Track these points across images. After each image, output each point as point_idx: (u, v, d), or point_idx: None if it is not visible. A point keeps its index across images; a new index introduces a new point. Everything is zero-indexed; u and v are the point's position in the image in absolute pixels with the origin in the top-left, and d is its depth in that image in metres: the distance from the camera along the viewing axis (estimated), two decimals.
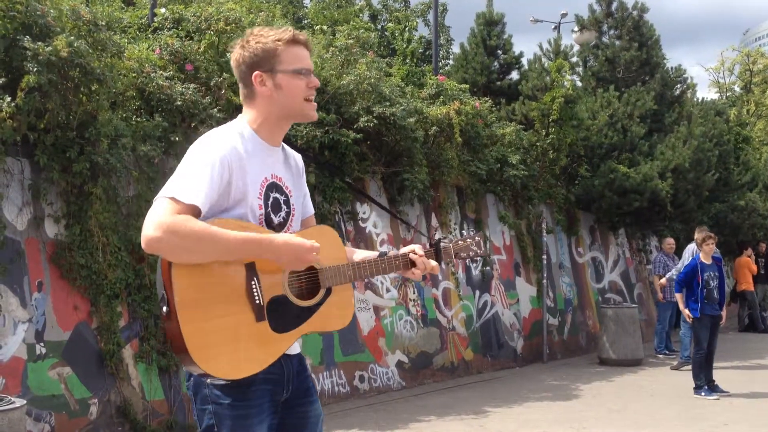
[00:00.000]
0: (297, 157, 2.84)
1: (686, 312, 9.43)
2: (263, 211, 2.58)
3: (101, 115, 6.60)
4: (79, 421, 6.46)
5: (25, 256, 6.39)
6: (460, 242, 2.98)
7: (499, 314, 11.58)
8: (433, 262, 2.83)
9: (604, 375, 10.73)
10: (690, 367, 9.52)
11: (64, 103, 6.33)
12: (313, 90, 2.64)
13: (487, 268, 11.45)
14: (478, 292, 11.26)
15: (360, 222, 9.58)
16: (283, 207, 2.67)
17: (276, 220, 2.64)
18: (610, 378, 10.48)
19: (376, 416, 8.05)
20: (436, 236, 2.84)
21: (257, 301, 2.48)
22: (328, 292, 2.65)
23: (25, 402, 4.99)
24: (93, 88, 6.47)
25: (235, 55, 2.64)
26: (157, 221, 2.34)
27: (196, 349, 2.38)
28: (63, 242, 6.60)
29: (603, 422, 7.79)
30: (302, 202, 2.82)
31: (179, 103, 7.42)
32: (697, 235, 9.70)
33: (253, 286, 2.48)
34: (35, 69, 5.98)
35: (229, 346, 2.43)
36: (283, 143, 2.77)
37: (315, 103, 2.68)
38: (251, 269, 2.49)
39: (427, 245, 2.91)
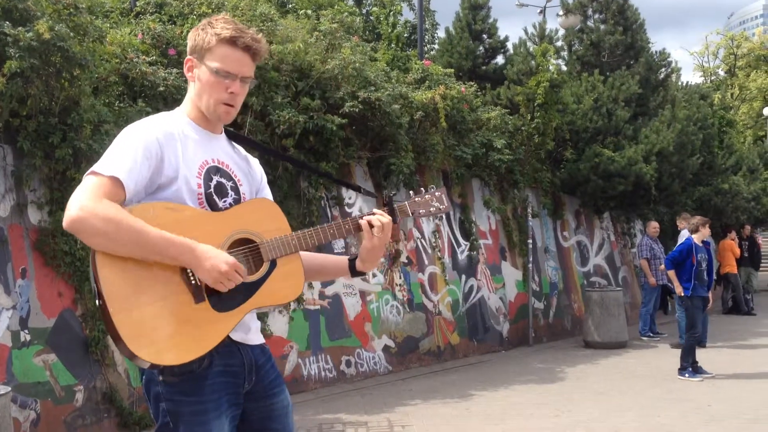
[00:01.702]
0: (251, 159, 2.77)
1: (680, 288, 9.46)
2: (203, 190, 2.47)
3: (84, 101, 6.55)
4: (64, 408, 6.44)
5: (9, 243, 6.34)
6: (417, 199, 2.80)
7: (485, 298, 11.63)
8: (387, 218, 2.67)
9: (589, 358, 10.81)
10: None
11: (47, 88, 6.27)
12: (232, 96, 2.52)
13: (474, 252, 11.48)
14: (464, 277, 11.29)
15: (346, 207, 9.57)
16: (231, 193, 2.56)
17: (221, 204, 2.52)
18: (595, 361, 10.55)
19: (362, 400, 8.08)
20: (386, 195, 2.69)
21: (193, 282, 2.36)
22: (273, 264, 2.53)
23: (9, 389, 4.97)
24: (75, 74, 6.41)
25: (191, 33, 2.60)
26: (80, 201, 2.25)
27: (132, 339, 2.25)
28: (46, 229, 6.56)
29: (588, 404, 7.85)
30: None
31: (162, 88, 7.37)
32: (695, 219, 9.72)
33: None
34: (17, 54, 5.92)
35: (167, 332, 2.30)
36: (228, 138, 2.70)
37: (231, 108, 2.55)
38: None
39: (383, 205, 2.77)
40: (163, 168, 2.40)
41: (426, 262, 10.63)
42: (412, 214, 2.79)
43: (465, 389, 8.59)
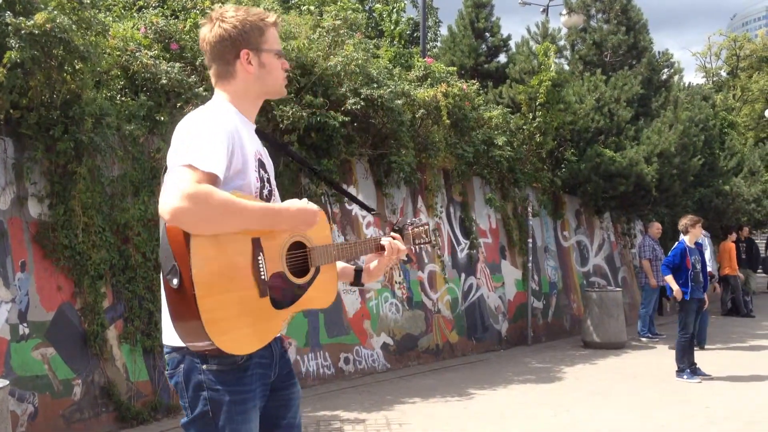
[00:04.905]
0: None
1: (679, 291, 9.39)
2: (259, 183, 2.58)
3: (86, 94, 6.53)
4: (62, 401, 6.44)
5: (8, 236, 6.33)
6: (414, 229, 3.08)
7: (485, 297, 11.62)
8: (404, 247, 2.96)
9: (588, 358, 10.80)
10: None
11: (48, 81, 6.25)
12: (285, 70, 2.72)
13: (473, 251, 11.47)
14: (463, 275, 11.28)
15: (346, 204, 9.56)
16: (266, 184, 2.65)
17: (264, 193, 2.63)
18: (594, 361, 10.55)
19: (360, 398, 8.08)
20: (398, 221, 3.00)
21: (262, 277, 2.46)
22: (317, 271, 2.66)
23: (8, 382, 4.96)
24: (77, 67, 6.40)
25: (216, 30, 2.58)
26: (183, 191, 2.25)
27: (210, 324, 2.32)
28: (46, 222, 6.55)
29: (586, 404, 7.85)
30: None
31: (164, 82, 7.36)
32: (685, 220, 9.62)
33: (259, 262, 2.46)
34: (17, 45, 5.90)
35: (238, 321, 2.40)
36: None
37: (287, 80, 2.76)
38: (257, 244, 2.46)
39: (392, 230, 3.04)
40: (233, 161, 2.47)
41: (425, 260, 10.62)
42: (413, 243, 3.10)
43: (463, 388, 8.59)
